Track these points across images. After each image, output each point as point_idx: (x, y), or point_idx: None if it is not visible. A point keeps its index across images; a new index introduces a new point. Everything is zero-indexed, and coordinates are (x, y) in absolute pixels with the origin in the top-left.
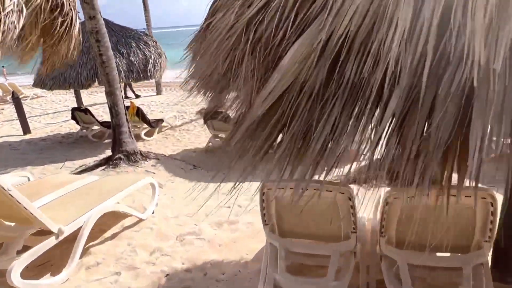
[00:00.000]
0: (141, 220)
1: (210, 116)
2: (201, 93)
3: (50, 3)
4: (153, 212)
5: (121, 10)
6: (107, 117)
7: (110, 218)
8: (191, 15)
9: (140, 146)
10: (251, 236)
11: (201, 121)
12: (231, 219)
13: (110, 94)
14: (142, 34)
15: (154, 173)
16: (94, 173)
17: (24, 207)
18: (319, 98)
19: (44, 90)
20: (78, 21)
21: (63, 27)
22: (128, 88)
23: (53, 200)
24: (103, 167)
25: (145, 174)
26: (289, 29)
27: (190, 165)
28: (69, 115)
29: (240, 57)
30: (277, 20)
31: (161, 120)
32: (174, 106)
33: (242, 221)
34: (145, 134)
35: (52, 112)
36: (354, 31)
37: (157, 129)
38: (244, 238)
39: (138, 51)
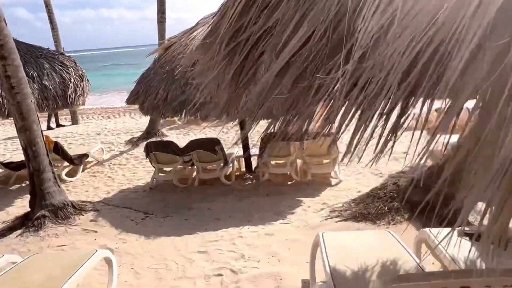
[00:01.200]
0: None
1: (153, 147)
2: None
3: None
4: None
5: (15, 33)
6: (10, 156)
7: None
8: (96, 39)
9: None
10: None
11: (134, 151)
12: None
13: (24, 130)
14: (56, 53)
15: (96, 231)
16: (6, 244)
17: None
18: None
19: None
20: None
21: None
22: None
23: None
24: (19, 232)
25: (83, 235)
26: None
27: (140, 212)
28: None
29: None
30: None
31: (86, 155)
32: (96, 136)
33: None
34: (67, 174)
35: None
36: None
37: (82, 166)
38: None
39: (54, 74)
